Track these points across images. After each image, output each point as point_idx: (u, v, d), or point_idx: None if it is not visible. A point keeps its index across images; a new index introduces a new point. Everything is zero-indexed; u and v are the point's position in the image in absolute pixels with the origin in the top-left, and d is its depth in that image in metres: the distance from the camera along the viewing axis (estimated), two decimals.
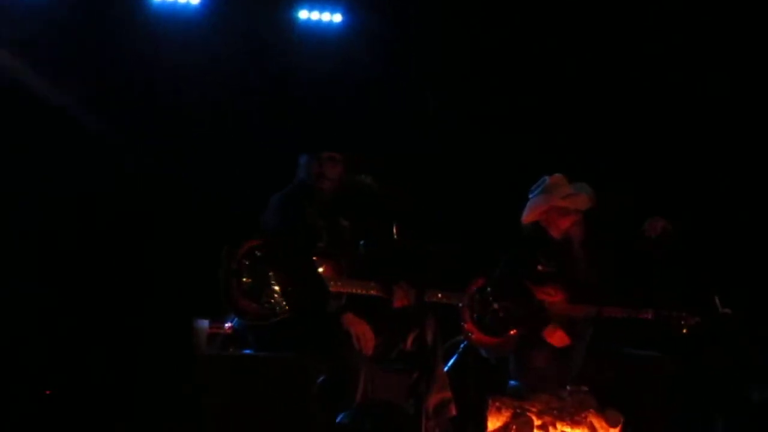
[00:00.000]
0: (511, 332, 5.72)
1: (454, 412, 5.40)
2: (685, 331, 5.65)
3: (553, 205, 5.96)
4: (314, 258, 5.35)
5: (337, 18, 7.28)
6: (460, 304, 5.64)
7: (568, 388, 5.45)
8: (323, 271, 5.35)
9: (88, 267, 6.35)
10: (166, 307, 6.26)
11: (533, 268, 5.85)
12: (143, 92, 6.62)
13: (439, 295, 5.46)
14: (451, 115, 6.87)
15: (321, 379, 5.22)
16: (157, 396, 5.66)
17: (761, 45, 6.72)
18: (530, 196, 6.08)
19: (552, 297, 5.82)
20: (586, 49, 6.94)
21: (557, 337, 5.69)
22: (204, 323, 5.44)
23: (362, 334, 5.28)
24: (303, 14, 7.20)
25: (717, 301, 5.65)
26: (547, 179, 6.01)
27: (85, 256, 6.36)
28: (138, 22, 6.69)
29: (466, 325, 5.71)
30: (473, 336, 5.73)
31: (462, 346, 5.91)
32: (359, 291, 5.36)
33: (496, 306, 5.61)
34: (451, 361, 5.88)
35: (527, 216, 6.05)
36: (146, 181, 6.54)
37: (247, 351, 5.39)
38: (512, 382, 5.80)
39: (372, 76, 6.89)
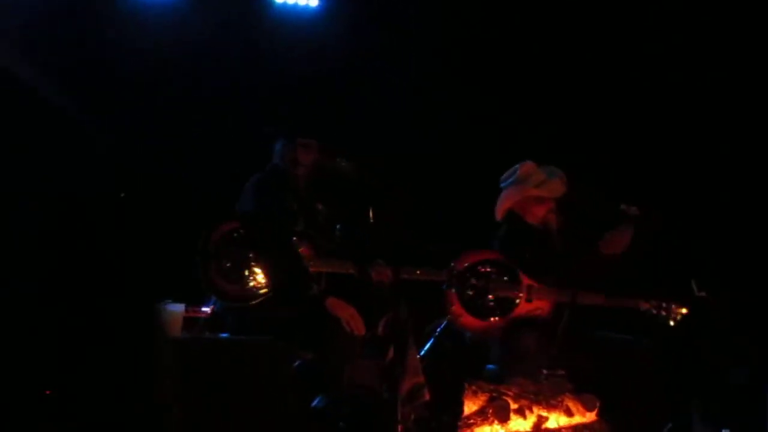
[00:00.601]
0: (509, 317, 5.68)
1: (427, 396, 5.39)
2: (672, 323, 5.63)
3: (527, 195, 5.93)
4: (294, 239, 5.33)
5: (314, 2, 7.22)
6: (445, 286, 5.60)
7: (544, 371, 5.42)
8: (302, 252, 5.33)
9: (68, 259, 6.36)
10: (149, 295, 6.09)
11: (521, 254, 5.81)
12: (118, 77, 6.58)
13: (417, 272, 5.43)
14: (451, 115, 6.88)
15: (297, 363, 5.19)
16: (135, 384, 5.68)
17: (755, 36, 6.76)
18: (501, 186, 6.04)
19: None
20: (586, 48, 6.96)
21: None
22: (178, 307, 5.42)
23: (350, 316, 5.27)
24: None
25: (694, 284, 5.65)
26: (518, 168, 5.98)
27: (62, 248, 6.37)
28: (115, 8, 6.66)
29: (453, 307, 5.66)
30: (462, 319, 5.69)
31: (438, 329, 5.88)
32: (337, 270, 5.33)
33: (474, 282, 5.57)
34: (428, 345, 5.85)
35: (501, 206, 6.01)
36: (118, 165, 6.53)
37: (224, 335, 5.35)
38: (490, 366, 5.77)
39: (349, 62, 6.88)
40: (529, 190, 5.93)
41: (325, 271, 5.34)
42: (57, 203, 6.32)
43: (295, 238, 5.32)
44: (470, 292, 5.66)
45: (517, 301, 5.69)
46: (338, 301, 5.31)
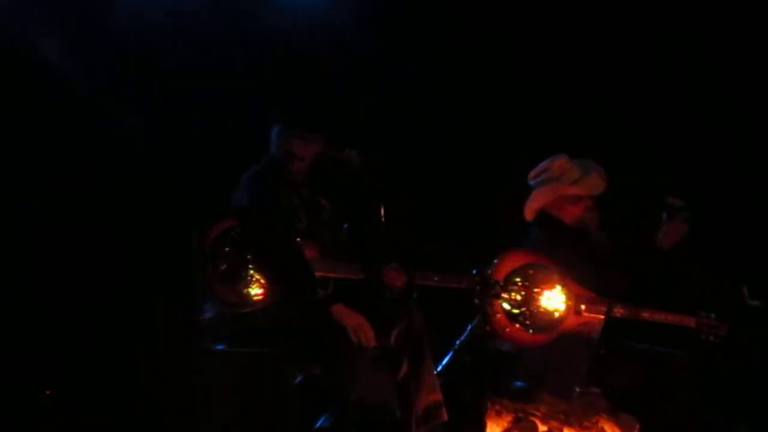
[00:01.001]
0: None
1: (445, 417, 5.05)
2: (714, 339, 5.38)
3: (563, 193, 5.59)
4: (297, 239, 5.00)
5: None
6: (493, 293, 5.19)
7: (577, 389, 5.14)
8: (307, 254, 4.98)
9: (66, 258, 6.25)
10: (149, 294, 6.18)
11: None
12: (119, 61, 6.40)
13: (435, 279, 5.08)
14: (451, 115, 6.75)
15: (300, 378, 4.91)
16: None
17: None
18: (531, 183, 5.69)
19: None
20: (586, 47, 6.77)
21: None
22: None
23: (359, 326, 4.92)
24: None
25: (745, 291, 5.32)
26: (551, 164, 5.62)
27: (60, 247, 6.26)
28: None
29: (498, 317, 5.24)
30: (509, 330, 5.27)
31: (458, 342, 5.51)
32: (346, 274, 5.00)
33: (499, 289, 5.15)
34: (446, 360, 5.51)
35: (532, 206, 5.66)
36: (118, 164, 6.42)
37: (219, 346, 5.06)
38: (518, 383, 5.41)
39: (349, 62, 6.69)
40: (564, 188, 5.59)
41: (333, 275, 4.99)
42: (57, 203, 6.22)
43: (299, 238, 5.00)
44: (517, 300, 5.31)
45: (563, 311, 5.33)
46: (346, 309, 4.94)
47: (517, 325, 5.28)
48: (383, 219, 4.79)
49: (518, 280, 5.30)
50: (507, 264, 5.33)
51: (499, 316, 5.25)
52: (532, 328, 5.30)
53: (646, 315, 5.37)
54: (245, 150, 5.59)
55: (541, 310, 5.31)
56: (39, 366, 5.86)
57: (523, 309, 5.30)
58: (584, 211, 5.61)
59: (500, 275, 5.26)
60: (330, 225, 5.19)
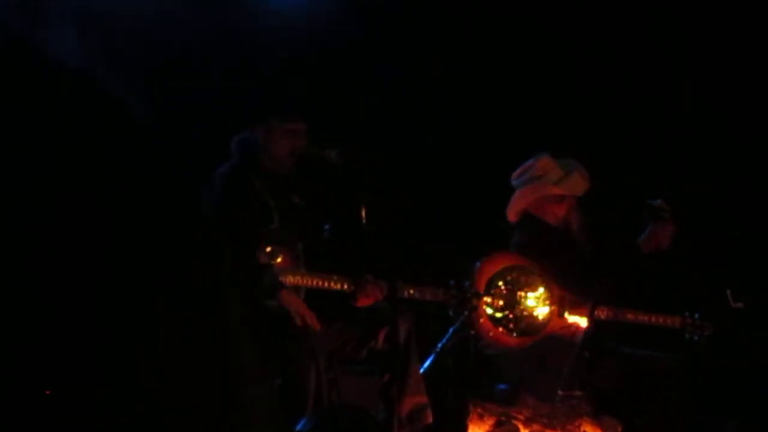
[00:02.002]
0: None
1: (430, 419, 4.99)
2: (699, 340, 5.39)
3: (546, 193, 5.56)
4: (268, 249, 4.86)
5: None
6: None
7: (560, 392, 5.09)
8: (280, 262, 4.88)
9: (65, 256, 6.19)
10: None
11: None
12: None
13: (411, 291, 5.00)
14: (451, 115, 6.74)
15: (277, 382, 4.78)
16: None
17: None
18: (514, 183, 5.65)
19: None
20: (587, 47, 6.78)
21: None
22: None
23: (298, 310, 4.74)
24: None
25: (729, 294, 5.32)
26: (534, 164, 5.58)
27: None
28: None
29: (482, 321, 5.26)
30: (492, 334, 5.29)
31: (440, 345, 5.45)
32: (320, 285, 4.88)
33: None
34: (428, 362, 5.44)
35: (515, 207, 5.63)
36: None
37: None
38: (501, 386, 5.38)
39: (348, 61, 6.64)
40: (547, 188, 5.56)
41: (308, 284, 4.89)
42: (57, 203, 6.16)
43: (270, 248, 4.86)
44: (500, 304, 5.30)
45: (546, 314, 5.33)
46: (289, 294, 4.78)
47: (501, 329, 5.28)
48: (364, 222, 4.69)
49: (501, 283, 5.29)
50: (489, 268, 5.31)
51: (482, 320, 5.25)
52: (516, 332, 5.28)
53: (630, 316, 5.35)
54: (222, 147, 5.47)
55: (525, 313, 5.30)
56: (39, 366, 5.80)
57: (506, 312, 5.29)
58: (568, 212, 5.58)
59: (483, 279, 5.26)
60: (304, 227, 5.05)
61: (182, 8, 6.26)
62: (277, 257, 4.88)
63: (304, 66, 6.49)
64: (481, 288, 5.23)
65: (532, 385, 5.22)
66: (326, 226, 5.07)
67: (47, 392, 5.70)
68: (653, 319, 5.39)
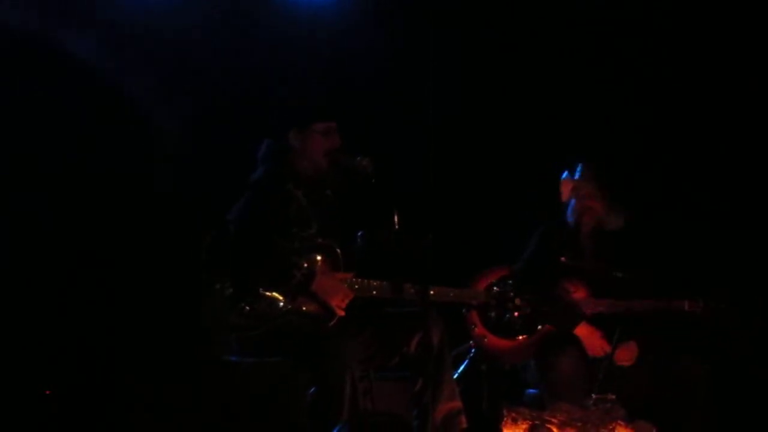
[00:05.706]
0: (539, 334, 5.36)
1: (464, 424, 4.93)
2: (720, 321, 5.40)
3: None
4: (319, 258, 4.86)
5: None
6: (466, 309, 5.28)
7: (593, 396, 5.08)
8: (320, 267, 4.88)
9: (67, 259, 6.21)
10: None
11: (556, 258, 5.48)
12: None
13: (451, 294, 5.02)
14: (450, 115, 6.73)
15: (312, 389, 4.71)
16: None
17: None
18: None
19: (575, 294, 5.46)
20: (587, 46, 6.77)
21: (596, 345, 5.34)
22: None
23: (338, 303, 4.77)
24: None
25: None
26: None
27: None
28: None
29: (476, 329, 5.35)
30: (487, 340, 5.37)
31: (473, 350, 5.52)
32: (368, 294, 4.90)
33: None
34: (462, 368, 5.51)
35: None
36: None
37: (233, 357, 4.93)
38: (531, 391, 5.44)
39: (350, 61, 6.64)
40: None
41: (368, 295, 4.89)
42: (57, 203, 6.16)
43: (321, 258, 4.86)
44: (491, 312, 5.32)
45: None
46: (330, 278, 4.81)
47: (497, 335, 5.36)
48: (398, 228, 4.70)
49: (496, 291, 5.28)
50: (486, 278, 5.38)
51: (477, 327, 5.35)
52: (509, 335, 5.37)
53: (637, 307, 5.35)
54: (249, 154, 5.45)
55: (515, 315, 5.29)
56: (39, 366, 5.81)
57: (499, 317, 5.32)
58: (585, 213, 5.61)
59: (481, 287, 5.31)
60: (339, 231, 5.04)
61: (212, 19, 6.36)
62: (316, 263, 4.87)
63: (328, 68, 6.51)
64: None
65: (563, 389, 5.21)
66: (359, 233, 5.03)
67: (47, 392, 5.67)
68: (660, 304, 5.36)
